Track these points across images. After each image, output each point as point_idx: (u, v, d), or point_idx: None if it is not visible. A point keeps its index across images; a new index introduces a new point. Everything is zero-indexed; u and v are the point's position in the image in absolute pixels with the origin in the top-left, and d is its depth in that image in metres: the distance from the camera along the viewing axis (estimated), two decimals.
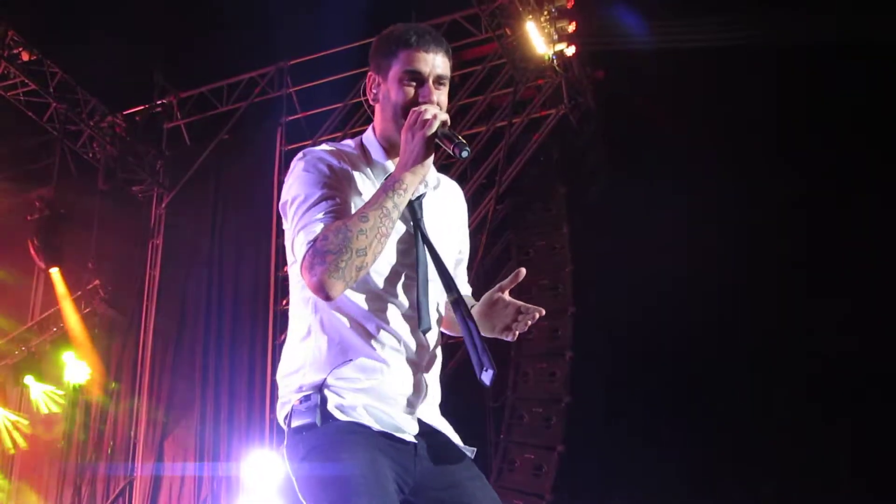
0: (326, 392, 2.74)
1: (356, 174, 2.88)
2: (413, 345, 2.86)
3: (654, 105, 11.24)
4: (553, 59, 11.99)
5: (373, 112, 3.04)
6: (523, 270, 3.04)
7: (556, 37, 11.92)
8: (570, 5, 11.86)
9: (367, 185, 2.88)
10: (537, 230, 11.94)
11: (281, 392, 2.90)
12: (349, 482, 2.57)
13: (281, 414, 2.88)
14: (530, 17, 11.75)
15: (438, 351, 3.00)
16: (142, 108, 15.08)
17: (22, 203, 14.53)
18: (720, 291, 10.53)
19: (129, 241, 14.68)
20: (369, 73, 3.01)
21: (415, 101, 2.85)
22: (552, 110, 12.17)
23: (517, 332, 2.96)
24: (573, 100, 12.14)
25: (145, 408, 13.92)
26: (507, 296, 3.01)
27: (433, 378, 2.96)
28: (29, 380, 14.43)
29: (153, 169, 15.03)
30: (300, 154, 2.93)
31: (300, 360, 2.85)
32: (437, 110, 2.80)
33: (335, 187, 2.79)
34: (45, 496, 14.19)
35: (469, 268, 3.41)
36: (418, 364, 2.88)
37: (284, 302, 13.15)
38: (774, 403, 10.29)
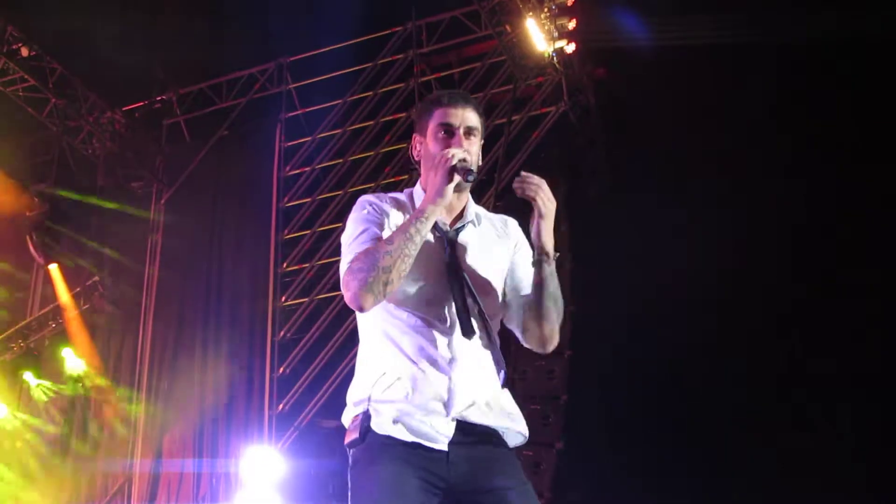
0: (370, 409, 3.12)
1: (390, 207, 3.32)
2: (448, 354, 3.16)
3: (655, 103, 11.22)
4: (553, 57, 11.98)
5: (418, 170, 3.45)
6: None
7: (556, 34, 11.91)
8: (570, 2, 11.84)
9: (404, 217, 3.31)
10: None
11: (347, 407, 3.30)
12: (374, 498, 2.97)
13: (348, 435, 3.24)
14: (530, 14, 11.74)
15: (486, 355, 3.28)
16: (141, 104, 15.09)
17: (21, 198, 14.52)
18: (719, 291, 10.51)
19: (128, 237, 14.65)
20: (413, 136, 3.43)
21: (452, 145, 3.27)
22: (552, 108, 12.17)
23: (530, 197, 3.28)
24: (573, 97, 12.14)
25: (144, 404, 13.91)
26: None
27: (474, 381, 3.21)
28: (28, 376, 14.44)
29: (152, 165, 15.03)
30: (357, 201, 3.38)
31: (357, 375, 3.29)
32: (458, 151, 3.19)
33: (377, 223, 3.23)
34: (44, 492, 14.18)
35: None
36: (455, 370, 3.16)
37: (284, 298, 13.16)
38: (773, 403, 10.27)
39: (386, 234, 3.21)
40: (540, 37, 11.84)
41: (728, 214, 10.76)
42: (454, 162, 3.16)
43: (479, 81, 12.80)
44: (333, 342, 12.31)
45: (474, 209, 3.44)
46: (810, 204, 10.46)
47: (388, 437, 3.06)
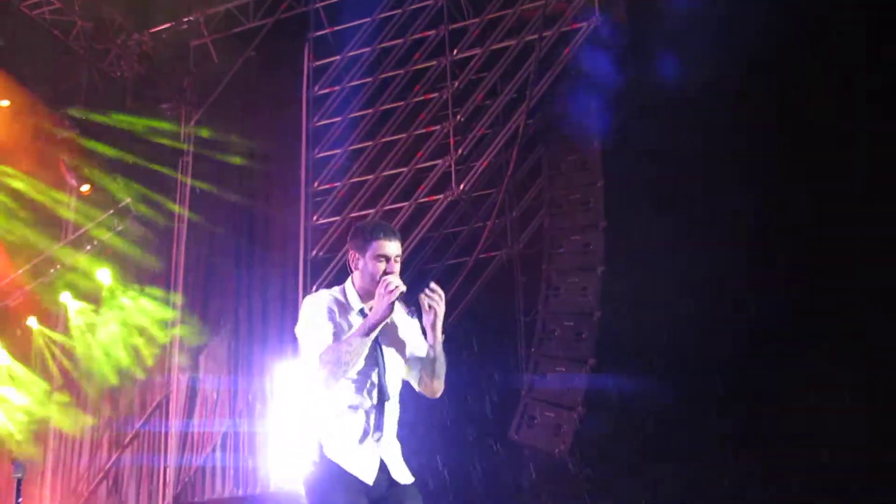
0: (322, 439, 4.42)
1: (335, 307, 4.55)
2: (375, 409, 4.50)
3: (684, 18, 11.01)
4: None
5: (352, 272, 4.65)
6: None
7: None
8: None
9: (348, 314, 4.56)
10: (568, 145, 11.85)
11: (303, 436, 4.56)
12: None
13: (304, 456, 4.50)
14: None
15: (396, 410, 4.61)
16: (168, 25, 15.02)
17: (52, 122, 14.56)
18: (751, 207, 10.40)
19: (158, 158, 14.69)
20: (351, 252, 4.63)
21: (384, 272, 4.49)
22: (583, 24, 12.01)
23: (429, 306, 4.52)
24: (605, 13, 11.96)
25: (180, 323, 14.09)
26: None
27: (391, 427, 4.59)
28: (65, 297, 14.63)
29: (180, 86, 15.00)
30: (307, 297, 4.69)
31: (312, 418, 4.52)
32: (398, 282, 4.37)
33: (330, 319, 4.48)
34: (83, 410, 14.46)
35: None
36: (379, 420, 4.50)
37: (316, 217, 13.19)
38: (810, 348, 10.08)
39: (341, 324, 4.48)
40: None
41: (762, 132, 10.58)
42: (396, 295, 4.33)
43: None
44: None
45: None
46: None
47: (337, 466, 4.36)
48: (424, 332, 4.62)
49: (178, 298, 14.28)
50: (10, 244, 14.79)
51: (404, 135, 12.91)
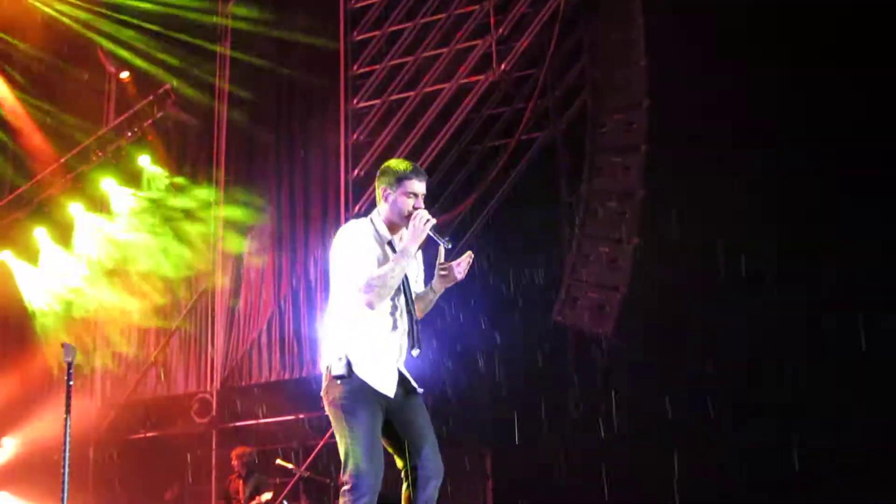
0: (350, 356, 4.84)
1: (372, 238, 5.03)
2: (397, 331, 4.99)
3: None
4: None
5: (379, 204, 5.12)
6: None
7: None
8: None
9: (378, 245, 5.02)
10: (611, 22, 11.60)
11: (325, 352, 5.01)
12: (358, 429, 4.75)
13: (324, 365, 4.99)
14: None
15: (411, 331, 5.08)
16: None
17: (88, 7, 14.46)
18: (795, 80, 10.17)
19: (198, 40, 14.55)
20: (382, 187, 5.07)
21: (415, 207, 5.00)
22: None
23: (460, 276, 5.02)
24: None
25: (223, 207, 14.14)
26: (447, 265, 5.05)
27: (406, 346, 5.06)
28: (108, 183, 14.70)
29: None
30: (344, 228, 5.08)
31: (341, 337, 4.96)
32: (428, 216, 4.89)
33: (364, 247, 4.95)
34: (129, 295, 14.62)
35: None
36: (399, 339, 5.00)
37: (356, 101, 13.10)
38: None
39: (374, 253, 4.95)
40: None
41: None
42: (429, 227, 4.84)
43: None
44: (407, 143, 12.30)
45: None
46: None
47: (364, 383, 4.80)
48: (430, 272, 5.16)
49: (220, 181, 14.30)
50: (53, 132, 14.87)
51: (444, 14, 12.70)
